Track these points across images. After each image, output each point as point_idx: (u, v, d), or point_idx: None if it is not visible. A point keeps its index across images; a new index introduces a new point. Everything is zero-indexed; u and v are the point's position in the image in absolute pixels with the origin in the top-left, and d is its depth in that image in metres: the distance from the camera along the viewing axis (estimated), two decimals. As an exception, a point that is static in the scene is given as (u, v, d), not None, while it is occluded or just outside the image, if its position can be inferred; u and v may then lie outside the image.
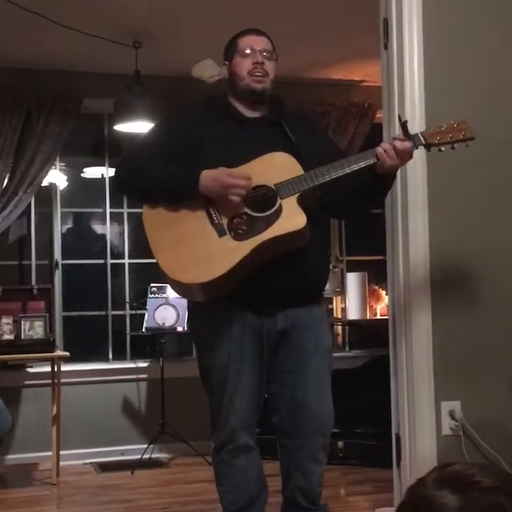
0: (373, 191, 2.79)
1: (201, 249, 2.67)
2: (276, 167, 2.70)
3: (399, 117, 2.83)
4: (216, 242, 2.65)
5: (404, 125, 2.69)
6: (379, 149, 2.63)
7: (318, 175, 2.65)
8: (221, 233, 2.66)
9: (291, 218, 2.62)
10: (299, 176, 2.66)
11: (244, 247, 2.61)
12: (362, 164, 2.65)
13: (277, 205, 2.64)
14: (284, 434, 2.83)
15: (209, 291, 2.69)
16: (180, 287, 2.76)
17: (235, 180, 2.63)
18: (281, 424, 2.83)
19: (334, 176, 2.64)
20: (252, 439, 2.82)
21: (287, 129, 2.82)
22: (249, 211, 2.66)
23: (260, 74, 2.82)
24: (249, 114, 2.87)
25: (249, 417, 2.78)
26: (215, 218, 2.68)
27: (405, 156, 2.66)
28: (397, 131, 2.91)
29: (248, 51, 2.85)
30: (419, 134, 2.68)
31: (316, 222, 2.73)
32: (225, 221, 2.67)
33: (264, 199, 2.66)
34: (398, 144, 2.63)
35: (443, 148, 2.70)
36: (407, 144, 2.64)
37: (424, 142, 2.67)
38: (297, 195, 2.64)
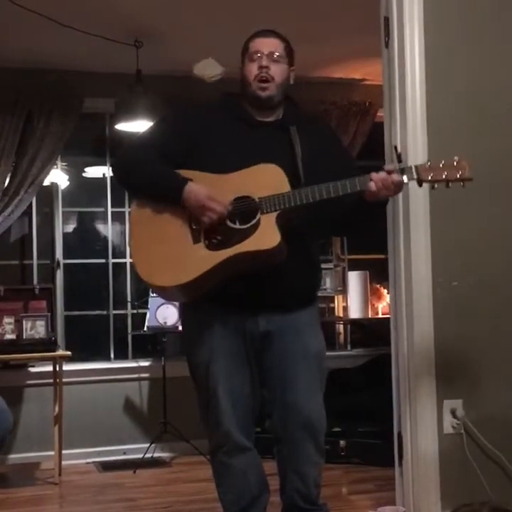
0: (361, 216, 2.76)
1: (173, 253, 2.67)
2: (265, 180, 2.66)
3: (395, 148, 2.81)
4: (189, 249, 2.65)
5: (399, 157, 2.66)
6: (370, 182, 2.59)
7: (302, 195, 2.61)
8: (196, 240, 2.66)
9: (265, 236, 2.60)
10: (283, 193, 2.62)
11: (214, 258, 2.61)
12: (348, 191, 2.60)
13: (256, 219, 2.62)
14: (277, 438, 2.83)
15: (179, 294, 2.73)
16: (153, 288, 2.81)
17: (212, 204, 2.62)
18: (274, 429, 2.83)
19: (318, 198, 2.60)
20: (249, 440, 2.80)
21: (296, 136, 2.77)
22: (228, 222, 2.64)
23: (265, 81, 2.76)
24: (260, 117, 2.83)
25: (241, 417, 2.77)
26: (194, 224, 2.67)
27: (394, 189, 2.62)
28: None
29: (256, 55, 2.79)
30: (413, 168, 2.62)
31: (301, 236, 2.71)
32: (202, 228, 2.66)
33: (245, 211, 2.64)
34: (388, 177, 2.59)
35: (436, 186, 2.64)
36: (397, 178, 2.60)
37: (415, 177, 2.61)
38: (277, 212, 2.61)
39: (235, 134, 2.79)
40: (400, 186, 2.63)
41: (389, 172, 2.61)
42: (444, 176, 2.61)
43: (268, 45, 2.80)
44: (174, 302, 5.25)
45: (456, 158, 2.62)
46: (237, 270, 2.62)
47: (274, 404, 2.80)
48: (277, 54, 2.79)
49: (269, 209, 2.61)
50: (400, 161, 2.65)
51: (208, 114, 2.88)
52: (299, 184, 2.67)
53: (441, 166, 2.61)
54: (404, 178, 2.61)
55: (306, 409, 2.77)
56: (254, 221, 2.62)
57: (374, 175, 2.61)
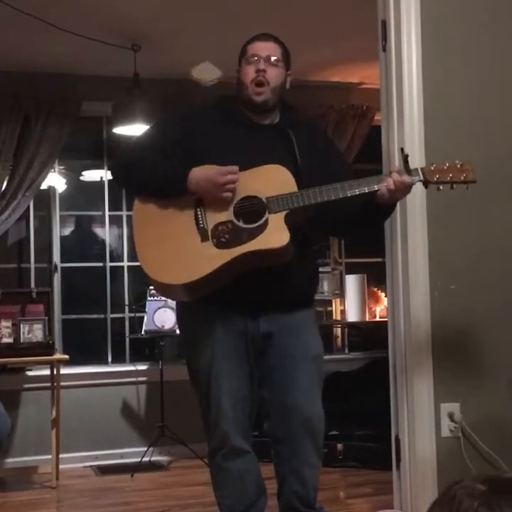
0: (370, 217, 2.78)
1: (181, 251, 2.67)
2: (271, 180, 2.68)
3: (401, 150, 2.82)
4: (197, 247, 2.65)
5: (405, 159, 2.66)
6: (381, 186, 2.61)
7: (310, 195, 2.62)
8: (204, 238, 2.66)
9: (274, 235, 2.61)
10: (291, 193, 2.64)
11: (222, 257, 2.61)
12: (356, 192, 2.62)
13: (264, 219, 2.62)
14: (276, 440, 2.83)
15: (185, 293, 2.72)
16: (158, 286, 2.78)
17: (226, 177, 2.63)
18: (274, 431, 2.83)
19: (326, 199, 2.62)
20: (247, 443, 2.80)
21: (294, 140, 2.79)
22: (235, 220, 2.65)
23: (261, 85, 2.77)
24: (256, 120, 2.84)
25: (241, 419, 2.77)
26: (201, 222, 2.68)
27: (403, 191, 2.65)
28: (395, 161, 2.88)
29: (253, 58, 2.80)
30: (419, 170, 2.66)
31: (305, 236, 2.72)
32: (210, 226, 2.66)
33: (253, 211, 2.65)
34: (397, 179, 2.61)
35: (441, 187, 2.67)
36: (406, 180, 2.63)
37: (422, 179, 2.65)
38: (285, 212, 2.62)
39: (233, 136, 2.79)
40: (408, 188, 2.66)
41: (398, 173, 2.64)
42: (449, 178, 2.65)
43: (265, 49, 2.82)
44: (172, 304, 5.26)
45: (458, 161, 2.66)
46: (245, 269, 2.63)
47: (274, 406, 2.80)
48: (274, 58, 2.81)
49: (278, 208, 2.62)
50: (406, 162, 2.66)
51: (204, 115, 2.89)
52: (300, 186, 2.67)
53: (445, 168, 2.65)
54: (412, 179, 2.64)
55: (306, 410, 2.77)
56: (262, 220, 2.62)
57: (384, 178, 2.63)
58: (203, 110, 2.95)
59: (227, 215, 2.66)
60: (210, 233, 2.66)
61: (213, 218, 2.67)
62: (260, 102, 2.80)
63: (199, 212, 2.69)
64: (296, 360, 2.77)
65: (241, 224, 2.65)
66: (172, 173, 2.73)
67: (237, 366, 2.75)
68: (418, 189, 3.30)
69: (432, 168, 2.66)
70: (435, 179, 2.65)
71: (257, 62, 2.79)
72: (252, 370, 2.78)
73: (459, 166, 2.65)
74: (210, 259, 2.62)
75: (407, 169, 2.65)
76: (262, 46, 2.83)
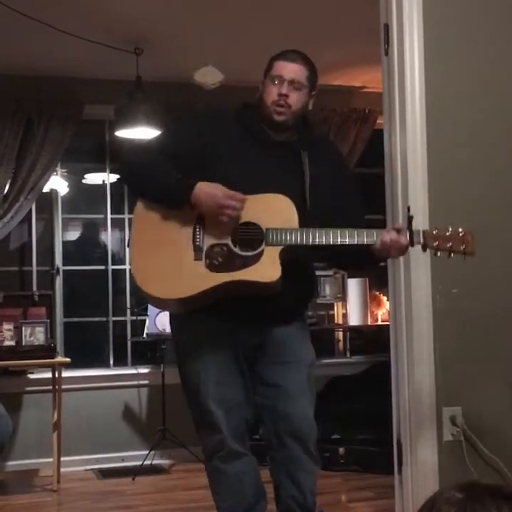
0: (365, 262, 2.80)
1: (172, 265, 2.66)
2: (275, 210, 2.66)
3: (408, 209, 2.81)
4: (189, 264, 2.65)
5: (410, 220, 2.65)
6: (377, 241, 2.61)
7: (309, 236, 2.61)
8: (197, 256, 2.65)
9: (266, 269, 2.60)
10: (291, 228, 2.62)
11: (212, 280, 2.61)
12: (354, 242, 2.61)
13: (259, 249, 2.62)
14: (270, 446, 2.83)
15: (173, 306, 2.76)
16: (147, 296, 2.77)
17: (231, 201, 2.60)
18: (267, 437, 2.83)
19: (324, 243, 2.61)
20: (243, 446, 2.80)
21: (307, 162, 2.78)
22: (231, 245, 2.64)
23: (282, 107, 2.73)
24: (274, 136, 2.80)
25: (235, 425, 2.77)
26: (198, 239, 2.67)
27: (398, 250, 2.65)
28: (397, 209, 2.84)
29: (277, 79, 2.74)
30: (421, 232, 2.64)
31: (300, 260, 2.72)
32: (205, 246, 2.66)
33: (251, 238, 2.63)
34: (394, 238, 2.61)
35: (439, 254, 2.65)
36: (404, 242, 2.62)
37: (422, 242, 2.63)
38: (281, 247, 2.62)
39: (245, 148, 2.77)
40: (404, 249, 2.66)
41: (398, 231, 2.63)
42: (448, 246, 2.62)
43: (291, 72, 2.75)
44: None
45: (461, 230, 2.63)
46: (233, 293, 2.63)
47: (267, 412, 2.81)
48: (299, 82, 2.75)
49: (274, 242, 2.61)
50: (410, 223, 2.64)
51: (220, 121, 2.85)
52: (305, 210, 2.67)
53: (447, 234, 2.62)
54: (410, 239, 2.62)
55: (296, 419, 2.78)
56: (258, 251, 2.62)
57: (386, 235, 2.61)
58: (221, 115, 2.91)
59: (224, 238, 2.65)
60: (204, 253, 2.65)
61: (210, 238, 2.66)
62: (280, 122, 2.77)
63: (198, 229, 2.68)
64: (288, 368, 2.78)
65: (236, 250, 2.64)
66: (175, 184, 2.68)
67: (228, 374, 2.76)
68: (420, 191, 3.31)
69: (434, 232, 2.63)
70: (434, 245, 2.63)
71: (280, 85, 2.74)
72: (245, 379, 2.79)
73: (460, 235, 2.62)
74: (200, 279, 2.62)
75: (409, 230, 2.63)
76: (289, 68, 2.75)
